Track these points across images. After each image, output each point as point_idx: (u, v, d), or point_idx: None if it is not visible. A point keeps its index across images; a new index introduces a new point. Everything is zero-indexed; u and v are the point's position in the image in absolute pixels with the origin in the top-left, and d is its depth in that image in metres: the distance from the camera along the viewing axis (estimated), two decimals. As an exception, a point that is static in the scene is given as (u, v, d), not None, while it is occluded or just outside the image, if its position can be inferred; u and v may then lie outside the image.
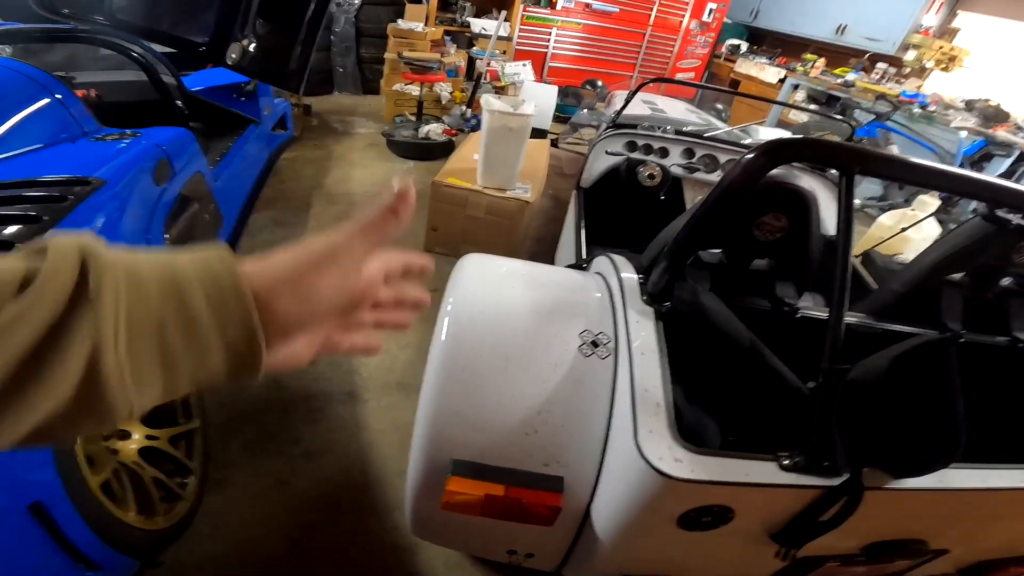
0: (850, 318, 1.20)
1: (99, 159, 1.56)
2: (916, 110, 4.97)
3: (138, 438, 1.44)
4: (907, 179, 0.94)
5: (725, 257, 1.27)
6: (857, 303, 1.46)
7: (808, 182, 2.33)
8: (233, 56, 2.32)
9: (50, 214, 1.22)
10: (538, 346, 1.04)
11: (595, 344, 1.05)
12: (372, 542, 1.58)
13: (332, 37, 5.43)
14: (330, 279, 0.37)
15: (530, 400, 0.99)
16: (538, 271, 1.26)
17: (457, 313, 1.06)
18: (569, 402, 1.00)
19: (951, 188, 0.96)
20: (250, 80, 3.04)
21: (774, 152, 0.93)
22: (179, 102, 2.66)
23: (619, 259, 1.26)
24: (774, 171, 0.97)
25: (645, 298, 1.10)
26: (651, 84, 2.81)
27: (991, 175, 4.49)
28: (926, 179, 0.93)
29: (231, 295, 0.32)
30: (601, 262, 1.34)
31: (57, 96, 1.75)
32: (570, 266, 1.66)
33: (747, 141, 2.67)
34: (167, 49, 2.51)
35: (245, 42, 2.27)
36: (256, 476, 1.69)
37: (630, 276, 1.17)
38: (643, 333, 1.02)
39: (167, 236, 1.69)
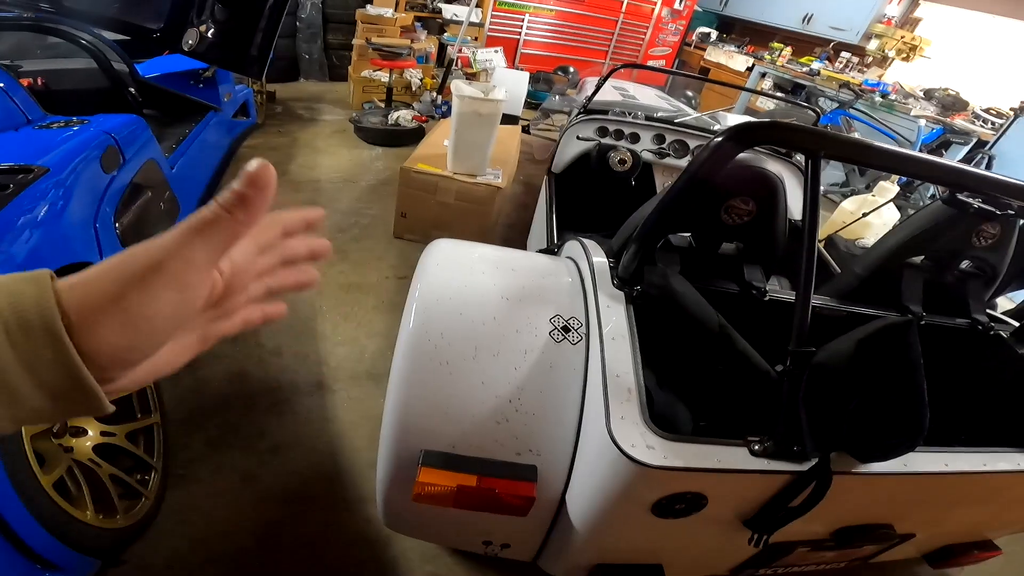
0: (815, 301, 1.21)
1: (43, 147, 1.48)
2: (877, 98, 5.10)
3: (93, 435, 1.39)
4: (871, 163, 0.94)
5: (694, 241, 1.27)
6: (822, 286, 1.48)
7: (774, 167, 2.35)
8: (190, 42, 2.22)
9: (-13, 203, 1.14)
10: (508, 332, 1.02)
11: (566, 329, 1.04)
12: (344, 535, 1.55)
13: (298, 23, 5.26)
14: (163, 296, 0.30)
15: (501, 388, 0.97)
16: (508, 256, 1.23)
17: (425, 300, 1.02)
18: (541, 389, 0.98)
19: (914, 172, 0.96)
20: (209, 66, 2.92)
21: (742, 135, 0.92)
22: (132, 89, 2.54)
23: (590, 243, 1.25)
24: (742, 155, 0.98)
25: (616, 282, 1.10)
26: (622, 70, 2.79)
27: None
28: (890, 163, 0.94)
29: (40, 333, 0.27)
30: (572, 246, 1.33)
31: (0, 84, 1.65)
32: (541, 251, 1.63)
33: (716, 127, 2.69)
34: (120, 36, 2.40)
35: (203, 28, 2.18)
36: (220, 471, 1.64)
37: (601, 260, 1.16)
38: (614, 318, 1.02)
39: (117, 224, 1.61)
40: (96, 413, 0.29)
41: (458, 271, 1.11)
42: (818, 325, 0.88)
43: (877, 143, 0.93)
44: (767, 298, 1.23)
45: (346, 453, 1.77)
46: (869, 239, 3.41)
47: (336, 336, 2.22)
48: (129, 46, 2.52)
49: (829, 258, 1.93)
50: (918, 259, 1.37)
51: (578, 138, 2.37)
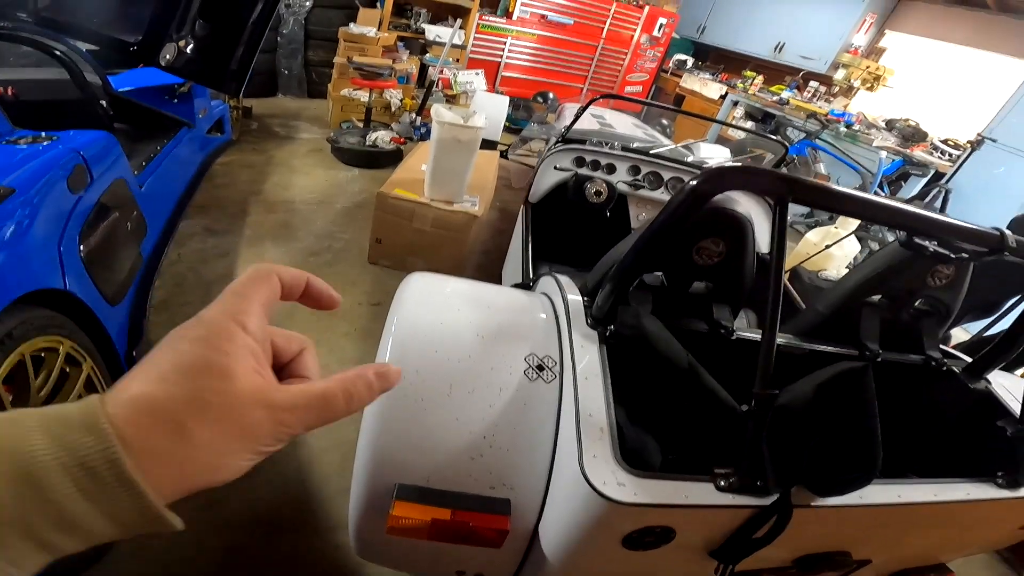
0: (779, 339, 1.25)
1: (9, 165, 1.44)
2: (842, 129, 5.30)
3: None
4: (836, 208, 0.99)
5: (666, 280, 1.30)
6: (786, 322, 1.53)
7: (744, 202, 2.43)
8: (167, 57, 2.20)
9: (-54, 227, 1.11)
10: (483, 370, 1.03)
11: (540, 368, 1.05)
12: (314, 561, 1.53)
13: (279, 39, 5.25)
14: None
15: (475, 424, 0.98)
16: (484, 291, 1.25)
17: (400, 334, 1.04)
18: (515, 426, 1.00)
19: (875, 218, 1.01)
20: (185, 81, 2.89)
21: (716, 180, 0.96)
22: (103, 102, 2.50)
23: (564, 280, 1.27)
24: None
25: (590, 321, 1.11)
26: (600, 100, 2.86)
27: (907, 193, 4.85)
28: (853, 208, 0.98)
29: (115, 485, 0.25)
30: (547, 282, 1.35)
31: (-35, 98, 1.61)
32: (516, 285, 1.67)
33: (690, 159, 2.76)
34: (94, 47, 2.37)
35: (181, 43, 2.16)
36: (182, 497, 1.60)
37: (575, 299, 1.18)
38: (587, 357, 1.04)
39: (82, 247, 1.57)
40: (171, 530, 0.29)
41: (434, 307, 1.11)
42: (782, 362, 0.92)
43: (842, 189, 0.98)
44: (734, 337, 1.27)
45: (316, 479, 1.75)
46: (832, 270, 3.53)
47: None
48: (103, 58, 2.48)
49: (795, 294, 2.00)
50: (876, 297, 1.42)
51: (555, 168, 2.40)
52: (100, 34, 2.14)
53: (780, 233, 0.93)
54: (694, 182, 0.97)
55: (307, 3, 5.17)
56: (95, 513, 0.25)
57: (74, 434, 0.25)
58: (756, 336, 1.29)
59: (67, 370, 1.41)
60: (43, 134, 1.68)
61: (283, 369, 0.37)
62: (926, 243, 1.31)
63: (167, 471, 0.28)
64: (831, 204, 0.98)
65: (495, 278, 2.87)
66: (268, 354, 0.34)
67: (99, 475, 0.25)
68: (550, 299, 1.26)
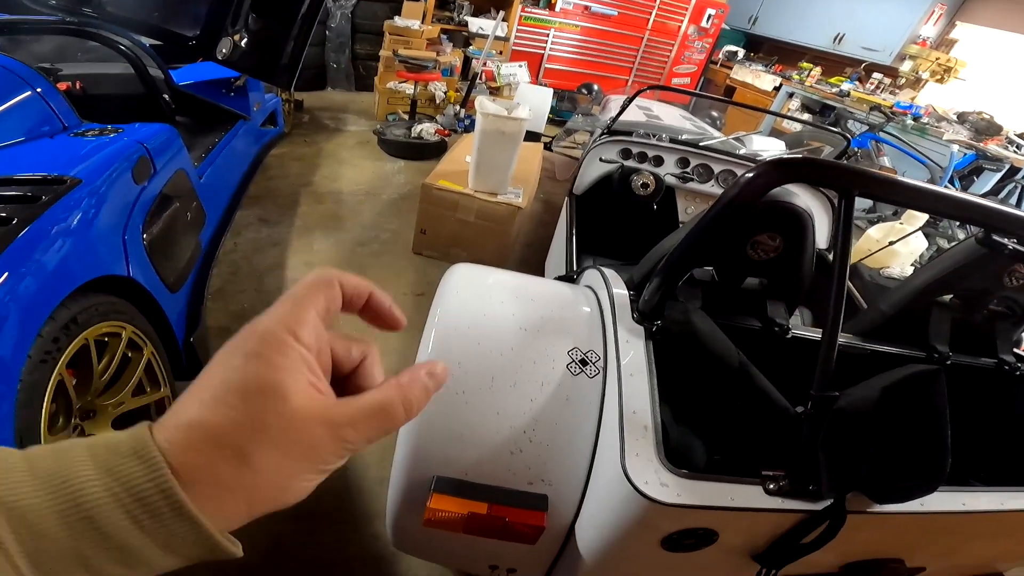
0: (839, 339, 1.20)
1: (77, 156, 1.52)
2: (909, 121, 4.99)
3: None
4: (908, 203, 0.93)
5: (717, 275, 1.26)
6: (847, 322, 1.45)
7: (803, 196, 2.33)
8: (223, 51, 2.27)
9: (21, 215, 1.17)
10: (525, 364, 1.01)
11: (583, 363, 1.03)
12: (350, 552, 1.55)
13: (327, 32, 5.37)
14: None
15: (516, 418, 0.97)
16: (527, 283, 1.23)
17: (443, 326, 1.03)
18: (556, 421, 0.98)
19: (949, 213, 0.95)
20: (240, 75, 2.99)
21: (774, 172, 0.91)
22: (166, 96, 2.61)
23: (610, 273, 1.25)
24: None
25: (635, 316, 1.09)
26: (647, 91, 2.79)
27: (980, 189, 4.53)
28: (925, 203, 0.93)
29: (171, 516, 0.25)
30: (591, 275, 1.32)
31: (37, 90, 1.71)
32: (560, 278, 1.64)
33: (742, 151, 2.66)
34: (156, 42, 2.47)
35: (236, 36, 2.23)
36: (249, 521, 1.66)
37: (621, 292, 1.15)
38: (632, 353, 1.01)
39: (145, 236, 1.64)
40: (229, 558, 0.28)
41: (477, 299, 1.11)
42: (841, 363, 0.88)
43: (913, 181, 0.92)
44: (789, 336, 1.22)
45: (356, 470, 1.78)
46: (895, 268, 3.34)
47: None
48: (164, 53, 2.59)
49: (855, 292, 1.90)
50: (946, 297, 1.35)
51: (601, 160, 2.36)
52: (160, 29, 2.22)
53: (845, 228, 0.89)
54: (751, 174, 0.93)
55: (354, -3, 5.26)
56: (152, 545, 0.25)
57: (123, 462, 0.25)
58: (813, 335, 1.24)
59: (129, 354, 1.47)
60: (109, 127, 1.76)
61: (346, 379, 0.35)
62: (1004, 241, 1.23)
63: (232, 498, 0.27)
64: (901, 198, 0.92)
65: (538, 270, 2.85)
66: (327, 365, 0.33)
67: (153, 505, 0.24)
68: (594, 292, 1.24)
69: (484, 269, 1.23)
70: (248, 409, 0.27)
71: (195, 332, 1.93)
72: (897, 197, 0.92)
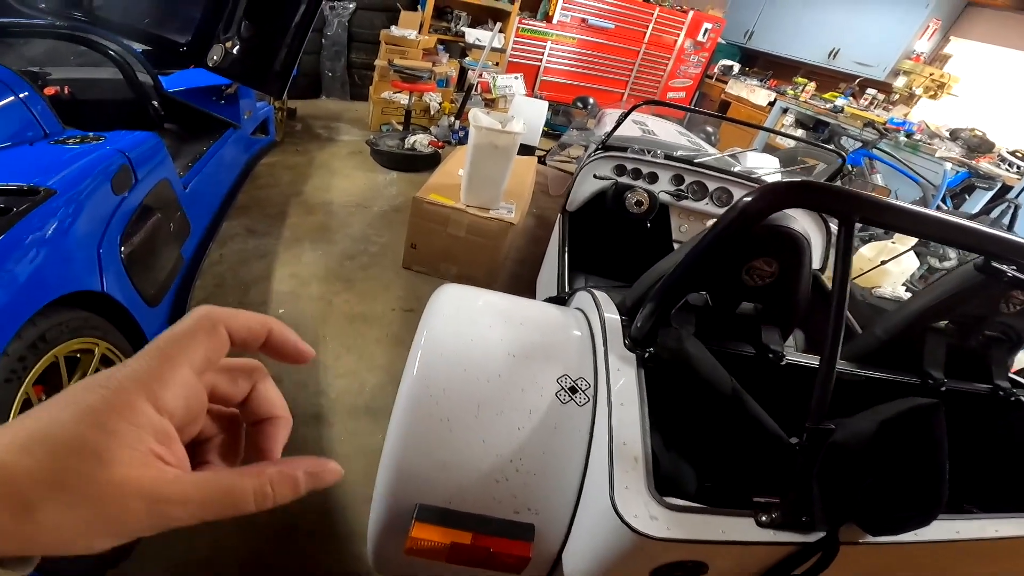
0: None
1: (54, 165, 1.47)
2: (902, 138, 5.02)
3: None
4: (910, 230, 0.91)
5: (711, 300, 1.23)
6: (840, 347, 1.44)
7: (797, 213, 2.32)
8: (215, 58, 2.24)
9: (-11, 228, 1.12)
10: (513, 391, 0.99)
11: (573, 390, 1.01)
12: (331, 569, 1.52)
13: (323, 40, 5.35)
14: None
15: (502, 447, 0.95)
16: (517, 306, 1.21)
17: (429, 354, 1.01)
18: (543, 450, 0.96)
19: (954, 240, 0.92)
20: (231, 83, 2.95)
21: (773, 196, 0.90)
22: (155, 103, 2.57)
23: (601, 297, 1.22)
24: None
25: (627, 342, 1.06)
26: (643, 105, 2.77)
27: (972, 208, 4.54)
28: (929, 230, 0.90)
29: None
30: (583, 298, 1.30)
31: (20, 95, 1.67)
32: (551, 299, 1.63)
33: (737, 168, 2.64)
34: (147, 47, 2.43)
35: (228, 44, 2.20)
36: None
37: (612, 317, 1.13)
38: (623, 381, 0.99)
39: (123, 249, 1.59)
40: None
41: (465, 323, 1.08)
42: (835, 389, 0.87)
43: (916, 208, 0.89)
44: (784, 363, 1.20)
45: (339, 487, 1.73)
46: (887, 288, 3.32)
47: (338, 367, 2.19)
48: (154, 58, 2.55)
49: (850, 316, 1.88)
50: (941, 323, 1.34)
51: (595, 176, 2.33)
52: (151, 34, 2.19)
53: (844, 256, 0.86)
54: (748, 198, 0.90)
55: (350, 5, 5.25)
56: None
57: None
58: (808, 362, 1.22)
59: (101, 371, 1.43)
60: (91, 134, 1.72)
61: (242, 406, 0.34)
62: (1004, 268, 1.22)
63: (4, 541, 0.25)
64: (903, 224, 0.89)
65: (530, 287, 2.82)
66: (197, 418, 0.31)
67: None
68: (586, 316, 1.21)
69: (473, 290, 1.21)
70: (54, 466, 0.25)
71: (174, 348, 1.87)
72: (899, 223, 0.90)
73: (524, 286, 2.86)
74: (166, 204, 1.95)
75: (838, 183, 2.85)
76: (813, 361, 1.21)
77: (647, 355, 1.03)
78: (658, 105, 3.14)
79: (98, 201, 1.50)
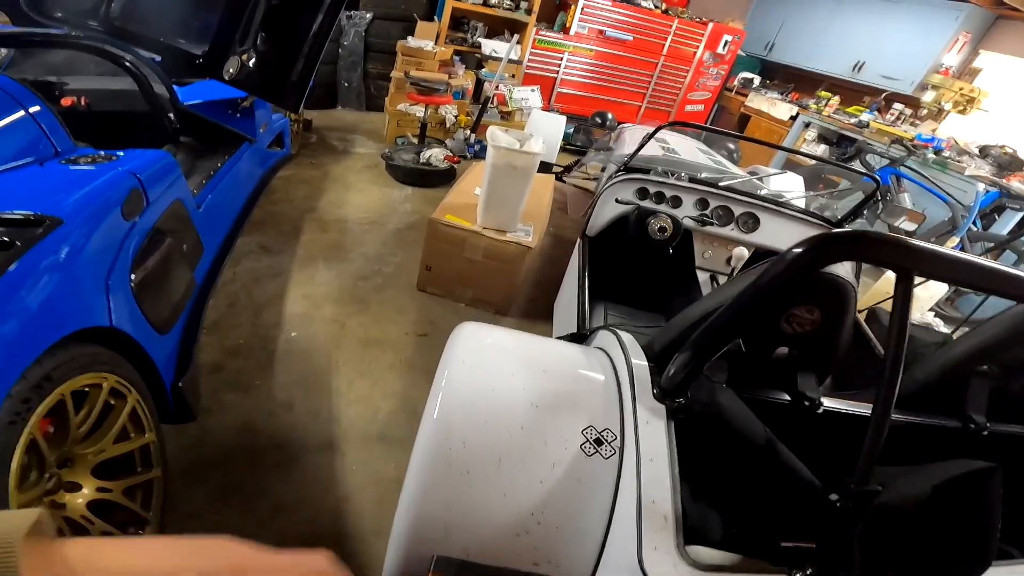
0: (867, 410, 1.12)
1: (63, 189, 1.43)
2: (930, 155, 4.87)
3: (88, 491, 1.31)
4: (983, 287, 0.84)
5: (744, 346, 1.17)
6: (870, 388, 1.40)
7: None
8: (231, 71, 2.22)
9: (-8, 263, 1.07)
10: (536, 444, 0.96)
11: (599, 442, 0.98)
12: None
13: (339, 51, 5.34)
14: None
15: (524, 500, 0.93)
16: (538, 350, 1.17)
17: (449, 399, 0.99)
18: (567, 504, 0.94)
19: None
20: (247, 95, 2.92)
21: (824, 248, 0.84)
22: (171, 115, 2.54)
23: (627, 339, 1.19)
24: None
25: (656, 391, 1.02)
26: (660, 120, 2.70)
27: (1002, 229, 4.38)
28: (1000, 286, 0.83)
29: None
30: (605, 338, 1.27)
31: (31, 110, 1.63)
32: (571, 335, 1.59)
33: (763, 191, 2.55)
34: (158, 57, 2.41)
35: (244, 56, 2.17)
36: (217, 530, 1.58)
37: (640, 364, 1.09)
38: (653, 434, 0.95)
39: (133, 277, 1.54)
40: None
41: (486, 371, 1.05)
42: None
43: (987, 262, 0.82)
44: (821, 411, 1.14)
45: (350, 518, 1.70)
46: (915, 313, 3.21)
47: (350, 394, 2.14)
48: (170, 69, 2.52)
49: (873, 338, 1.85)
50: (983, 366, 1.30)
51: (616, 201, 2.26)
52: (168, 45, 2.17)
53: (903, 314, 0.80)
54: (799, 250, 0.84)
55: (367, 15, 5.24)
56: None
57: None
58: (847, 409, 1.17)
59: (112, 402, 1.38)
60: (103, 153, 1.67)
61: None
62: None
63: None
64: (970, 279, 0.83)
65: (547, 312, 2.74)
66: None
67: None
68: (610, 358, 1.17)
69: (493, 330, 1.19)
70: None
71: (185, 374, 1.83)
72: (965, 278, 0.83)
73: (541, 311, 2.79)
74: (179, 226, 1.91)
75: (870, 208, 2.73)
76: (852, 408, 1.16)
77: (677, 405, 1.00)
78: (684, 126, 3.03)
79: (108, 229, 1.45)
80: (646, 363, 1.09)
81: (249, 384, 2.07)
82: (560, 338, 1.65)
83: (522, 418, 0.98)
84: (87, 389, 1.29)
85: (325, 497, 1.72)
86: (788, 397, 1.17)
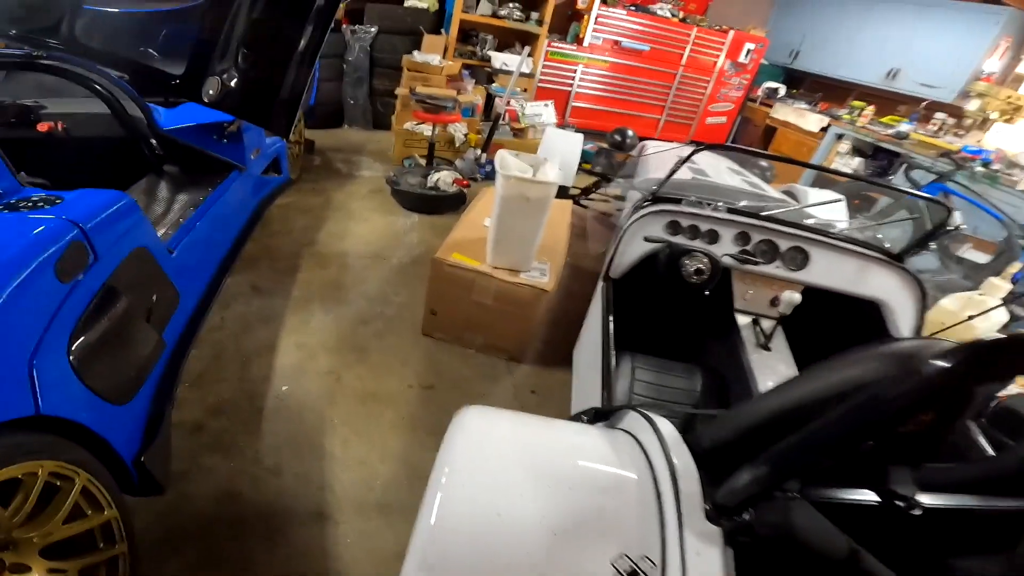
0: (966, 501, 0.97)
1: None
2: (979, 169, 4.50)
3: (37, 574, 1.12)
4: None
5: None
6: (968, 466, 1.19)
7: (885, 274, 1.97)
8: (211, 92, 1.98)
9: None
10: None
11: (634, 574, 0.79)
12: None
13: (345, 67, 5.15)
14: None
15: None
16: (554, 446, 0.98)
17: (444, 527, 0.81)
18: None
19: None
20: (235, 119, 2.69)
21: (976, 367, 0.68)
22: (153, 141, 2.32)
23: (665, 428, 0.98)
24: None
25: (708, 507, 0.82)
26: (688, 140, 2.41)
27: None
28: None
29: None
30: (637, 422, 1.04)
31: (-28, 150, 1.40)
32: (596, 413, 1.31)
33: (811, 221, 2.23)
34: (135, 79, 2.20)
35: (224, 76, 1.94)
36: None
37: (686, 467, 0.88)
38: (705, 567, 0.76)
39: (73, 349, 1.29)
40: None
41: (491, 485, 0.86)
42: (968, 525, 0.77)
43: None
44: (917, 512, 0.92)
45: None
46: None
47: (346, 456, 1.91)
48: (145, 92, 2.31)
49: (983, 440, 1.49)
50: None
51: (645, 239, 1.96)
52: (141, 65, 1.96)
53: None
54: (947, 364, 0.68)
55: (372, 30, 5.05)
56: None
57: None
58: (952, 504, 0.95)
59: (58, 484, 1.18)
60: (49, 195, 1.42)
61: None
62: None
63: None
64: None
65: (565, 355, 2.45)
66: None
67: None
68: (641, 448, 0.96)
69: (500, 420, 1.00)
70: None
71: (150, 447, 1.57)
72: None
73: (559, 355, 2.49)
74: (142, 278, 1.66)
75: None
76: (957, 502, 0.95)
77: (736, 526, 0.80)
78: (721, 149, 2.68)
79: (35, 296, 1.20)
80: (694, 466, 0.89)
81: (232, 446, 1.88)
82: (580, 415, 1.42)
83: (536, 550, 0.80)
84: (22, 478, 1.08)
85: (315, 573, 1.57)
86: (877, 498, 0.95)
